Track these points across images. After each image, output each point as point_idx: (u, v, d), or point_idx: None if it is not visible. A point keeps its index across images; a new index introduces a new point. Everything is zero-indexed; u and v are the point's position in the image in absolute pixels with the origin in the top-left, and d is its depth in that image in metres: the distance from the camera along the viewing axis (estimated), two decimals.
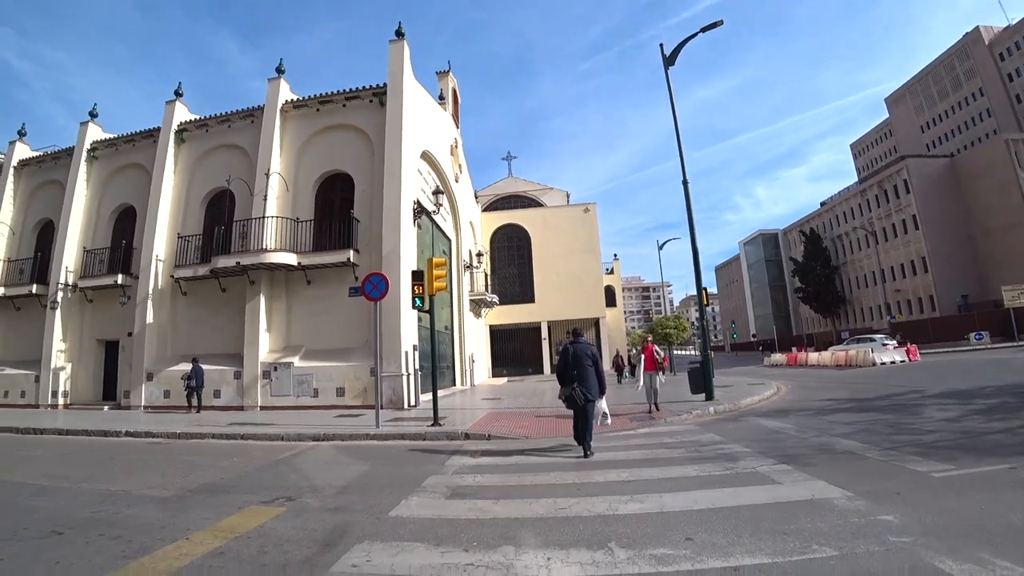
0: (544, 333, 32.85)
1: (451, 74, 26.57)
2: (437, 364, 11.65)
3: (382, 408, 14.78)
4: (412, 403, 14.90)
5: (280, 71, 18.97)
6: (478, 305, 28.87)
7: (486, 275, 29.41)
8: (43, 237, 22.58)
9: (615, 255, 43.78)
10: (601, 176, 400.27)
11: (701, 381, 12.81)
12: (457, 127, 27.47)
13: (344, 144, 18.17)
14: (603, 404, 8.15)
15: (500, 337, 33.25)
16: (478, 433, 9.36)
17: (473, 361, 25.19)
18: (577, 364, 7.29)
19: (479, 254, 27.18)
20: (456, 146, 26.09)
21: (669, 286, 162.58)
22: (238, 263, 16.05)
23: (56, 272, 20.33)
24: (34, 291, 20.76)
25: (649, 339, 11.67)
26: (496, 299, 30.06)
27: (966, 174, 49.64)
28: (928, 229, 48.64)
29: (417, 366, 15.83)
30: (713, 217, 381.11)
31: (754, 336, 78.82)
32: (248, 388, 16.26)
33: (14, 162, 23.33)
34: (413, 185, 17.74)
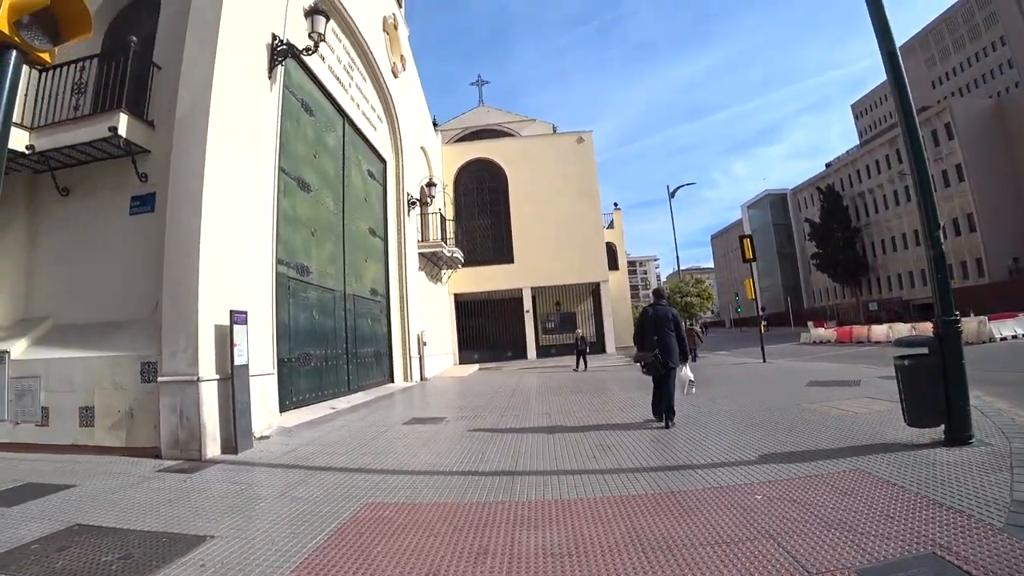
0: (527, 303, 24.60)
1: None
2: None
3: (164, 458, 6.60)
4: (244, 443, 6.60)
5: None
6: (434, 263, 20.57)
7: (443, 219, 21.01)
8: None
9: (615, 204, 34.89)
10: None
11: (940, 394, 4.86)
12: (400, 5, 18.89)
13: None
14: (687, 371, 7.14)
15: (468, 310, 25.04)
16: None
17: (424, 344, 17.03)
18: (658, 328, 6.72)
19: (431, 184, 18.63)
20: (395, 26, 17.53)
21: (656, 259, 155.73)
22: None
23: None
24: None
25: None
26: (460, 255, 21.72)
27: (1017, 116, 42.36)
28: (975, 180, 41.47)
29: (254, 356, 7.55)
30: (692, 194, 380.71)
31: (763, 310, 71.64)
32: None
33: None
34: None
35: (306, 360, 9.97)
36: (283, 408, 8.90)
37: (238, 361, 6.60)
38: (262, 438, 7.26)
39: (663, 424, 6.63)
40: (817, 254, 56.35)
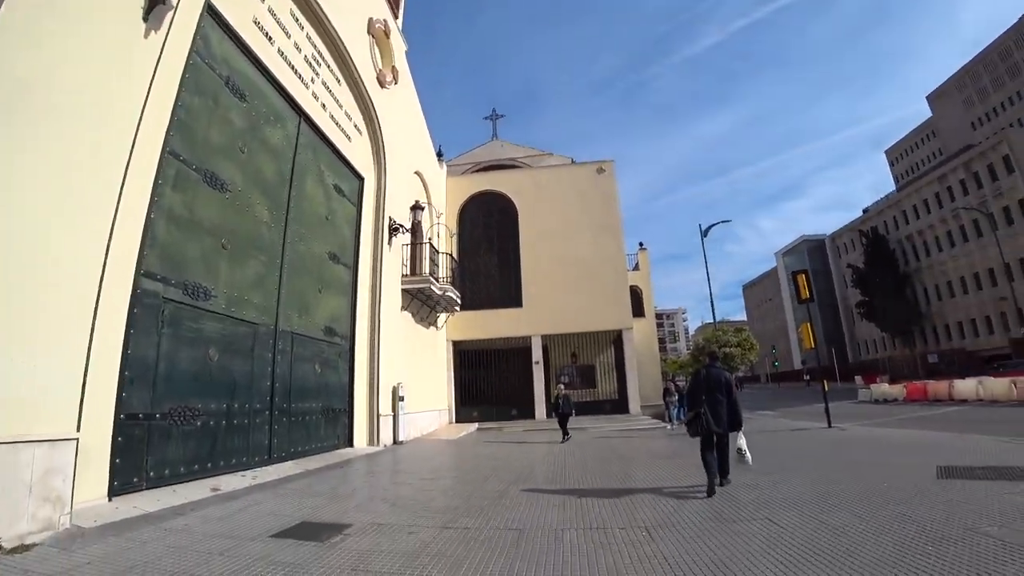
0: (537, 353, 21.37)
1: None
2: None
3: None
4: None
5: None
6: (424, 303, 17.73)
7: (433, 250, 18.34)
8: None
9: (640, 244, 31.54)
10: None
11: None
12: (395, 16, 17.02)
13: None
14: (741, 440, 6.68)
15: (470, 360, 21.91)
16: None
17: (401, 398, 13.97)
18: (709, 391, 6.35)
19: (416, 206, 15.93)
20: (387, 34, 15.55)
21: (684, 312, 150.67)
22: None
23: None
24: None
25: None
26: (455, 295, 18.86)
27: None
28: None
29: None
30: (718, 248, 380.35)
31: (803, 363, 66.43)
32: None
33: None
34: None
35: (186, 417, 7.03)
36: (125, 489, 5.95)
37: None
38: (18, 549, 4.29)
39: (719, 483, 6.10)
40: (863, 302, 52.27)
